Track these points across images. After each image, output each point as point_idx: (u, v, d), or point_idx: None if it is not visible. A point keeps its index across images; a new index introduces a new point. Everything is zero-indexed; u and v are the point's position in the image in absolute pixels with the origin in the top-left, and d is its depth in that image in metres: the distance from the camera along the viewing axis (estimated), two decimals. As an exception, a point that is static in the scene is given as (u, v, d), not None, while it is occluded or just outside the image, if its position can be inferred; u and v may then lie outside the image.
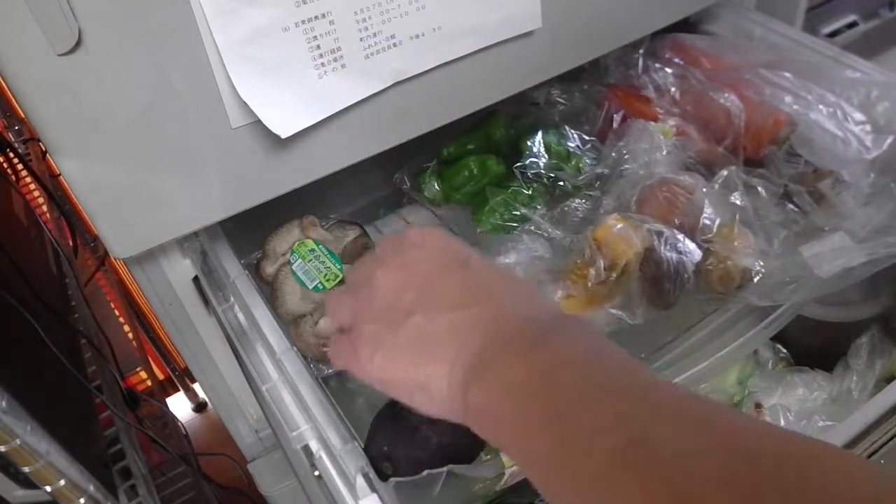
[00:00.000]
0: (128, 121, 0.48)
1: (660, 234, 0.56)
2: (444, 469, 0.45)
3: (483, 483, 0.49)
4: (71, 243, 1.06)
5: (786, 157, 0.63)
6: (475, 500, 0.51)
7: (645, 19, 0.70)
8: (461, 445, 0.49)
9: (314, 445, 0.49)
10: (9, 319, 0.65)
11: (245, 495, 1.11)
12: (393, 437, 0.49)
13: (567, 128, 0.72)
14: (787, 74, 0.67)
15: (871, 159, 0.60)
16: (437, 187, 0.73)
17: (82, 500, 0.62)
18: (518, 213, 0.67)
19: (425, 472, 0.45)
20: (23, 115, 0.60)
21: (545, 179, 0.70)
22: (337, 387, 0.61)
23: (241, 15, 0.47)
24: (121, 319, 1.39)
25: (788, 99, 0.65)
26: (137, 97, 0.47)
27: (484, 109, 0.64)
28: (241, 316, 0.60)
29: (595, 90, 0.76)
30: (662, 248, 0.55)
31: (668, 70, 0.73)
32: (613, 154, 0.66)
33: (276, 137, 0.52)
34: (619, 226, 0.56)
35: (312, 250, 0.64)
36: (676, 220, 0.58)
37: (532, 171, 0.70)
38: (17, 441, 0.54)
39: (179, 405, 1.73)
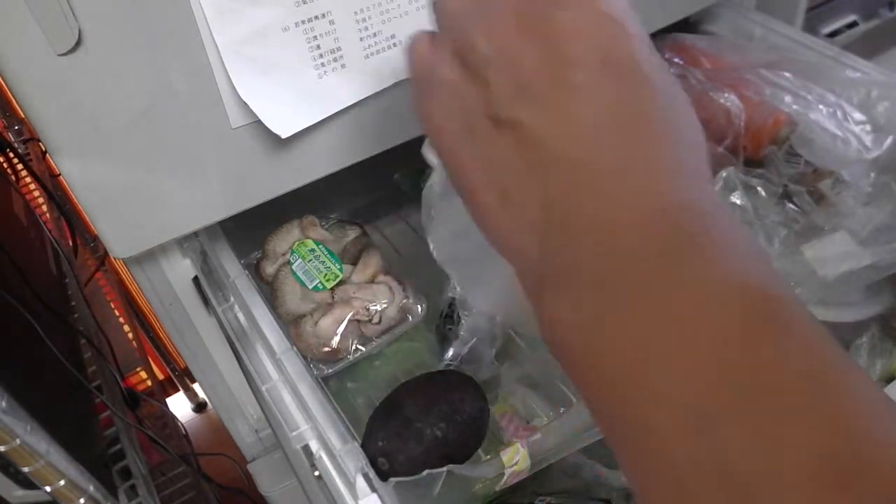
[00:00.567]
0: (128, 121, 0.48)
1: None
2: (444, 469, 0.45)
3: (483, 483, 0.49)
4: (71, 243, 1.06)
5: (786, 157, 0.63)
6: (475, 500, 0.51)
7: (645, 19, 0.70)
8: (457, 440, 0.49)
9: (314, 445, 0.49)
10: (9, 319, 0.65)
11: (245, 495, 1.11)
12: (388, 432, 0.49)
13: (567, 128, 0.72)
14: (787, 74, 0.67)
15: (871, 159, 0.60)
16: (437, 187, 0.73)
17: (82, 501, 0.62)
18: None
19: (425, 473, 0.45)
20: (23, 115, 0.60)
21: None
22: (337, 387, 0.61)
23: (241, 15, 0.47)
24: (121, 319, 1.39)
25: (788, 99, 0.65)
26: (137, 97, 0.47)
27: (484, 109, 0.64)
28: (241, 316, 0.60)
29: (595, 90, 0.76)
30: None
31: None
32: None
33: (276, 137, 0.52)
34: None
35: (312, 250, 0.64)
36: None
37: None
38: (17, 441, 0.54)
39: (179, 405, 1.74)
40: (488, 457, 0.49)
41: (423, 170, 0.78)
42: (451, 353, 0.59)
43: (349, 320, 0.59)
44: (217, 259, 0.61)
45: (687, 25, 0.80)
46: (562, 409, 0.56)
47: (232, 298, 0.61)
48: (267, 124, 0.51)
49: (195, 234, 0.61)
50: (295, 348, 0.54)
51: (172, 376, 1.65)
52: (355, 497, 0.44)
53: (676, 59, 0.76)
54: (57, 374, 0.73)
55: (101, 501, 0.65)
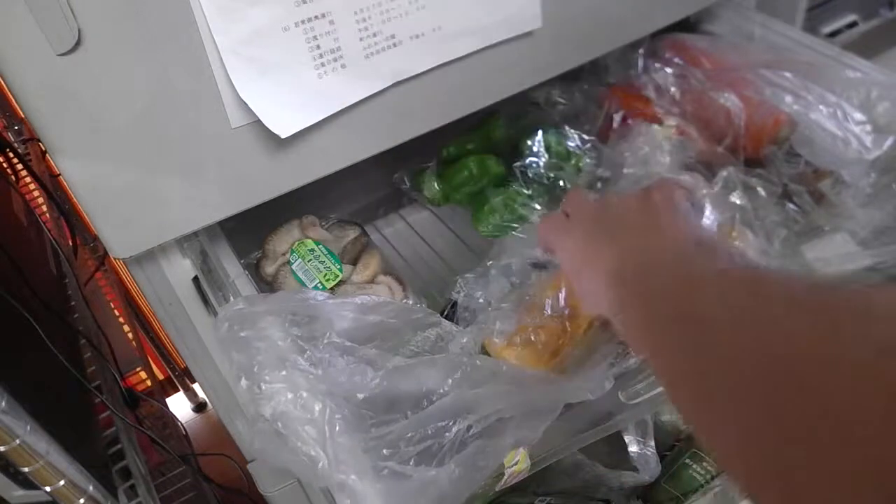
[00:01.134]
0: (128, 121, 0.48)
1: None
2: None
3: (483, 483, 0.49)
4: (71, 243, 1.06)
5: (786, 157, 0.63)
6: (475, 500, 0.51)
7: (645, 19, 0.70)
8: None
9: (314, 445, 0.49)
10: (9, 319, 0.65)
11: (245, 495, 1.11)
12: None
13: (567, 128, 0.72)
14: (787, 74, 0.67)
15: (871, 159, 0.60)
16: (436, 187, 0.73)
17: (82, 501, 0.62)
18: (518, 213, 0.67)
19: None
20: (23, 115, 0.60)
21: (545, 179, 0.70)
22: (337, 387, 0.61)
23: (242, 15, 0.47)
24: (121, 319, 1.39)
25: (788, 99, 0.65)
26: (137, 97, 0.47)
27: (484, 109, 0.64)
28: (241, 316, 0.60)
29: (595, 90, 0.76)
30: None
31: (669, 70, 0.73)
32: (613, 154, 0.66)
33: (276, 137, 0.52)
34: None
35: (312, 250, 0.64)
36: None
37: (532, 171, 0.70)
38: (17, 441, 0.54)
39: (179, 405, 1.73)
40: (488, 457, 0.49)
41: (423, 169, 0.78)
42: (450, 353, 0.59)
43: (349, 320, 0.59)
44: (217, 259, 0.61)
45: (687, 25, 0.80)
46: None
47: (232, 298, 0.61)
48: (267, 124, 0.51)
49: (195, 234, 0.61)
50: (295, 348, 0.54)
51: (172, 376, 1.65)
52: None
53: (676, 59, 0.76)
54: (57, 374, 0.73)
55: (101, 501, 0.65)
